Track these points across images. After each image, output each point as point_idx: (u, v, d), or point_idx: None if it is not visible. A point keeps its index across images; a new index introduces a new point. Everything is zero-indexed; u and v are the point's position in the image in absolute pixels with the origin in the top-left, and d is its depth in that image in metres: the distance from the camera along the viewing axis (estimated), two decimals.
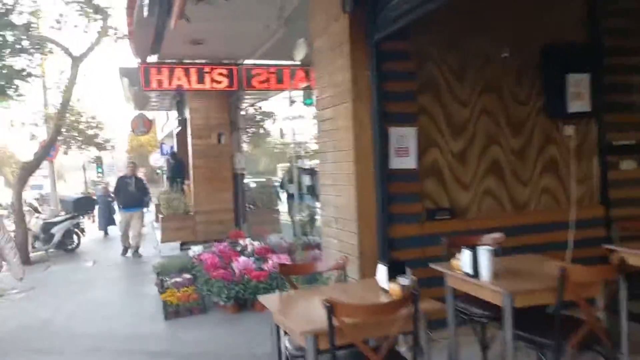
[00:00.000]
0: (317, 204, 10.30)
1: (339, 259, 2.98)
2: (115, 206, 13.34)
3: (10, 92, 7.81)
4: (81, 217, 11.34)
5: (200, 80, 7.75)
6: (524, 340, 2.55)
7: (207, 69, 7.78)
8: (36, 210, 12.34)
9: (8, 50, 7.71)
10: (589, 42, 4.23)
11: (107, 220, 13.13)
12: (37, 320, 5.50)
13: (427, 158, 3.90)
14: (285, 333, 2.61)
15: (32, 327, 5.26)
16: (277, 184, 12.64)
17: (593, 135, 4.30)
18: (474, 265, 2.65)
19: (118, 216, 10.86)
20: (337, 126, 3.89)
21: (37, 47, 8.37)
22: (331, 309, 2.06)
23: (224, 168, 9.47)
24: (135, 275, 7.84)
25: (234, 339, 4.45)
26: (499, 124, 4.09)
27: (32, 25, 8.23)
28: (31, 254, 9.51)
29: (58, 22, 9.79)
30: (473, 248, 2.68)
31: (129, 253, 9.33)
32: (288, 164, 12.41)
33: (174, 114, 12.43)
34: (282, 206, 10.76)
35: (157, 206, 11.88)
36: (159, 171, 18.23)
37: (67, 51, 9.63)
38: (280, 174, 23.65)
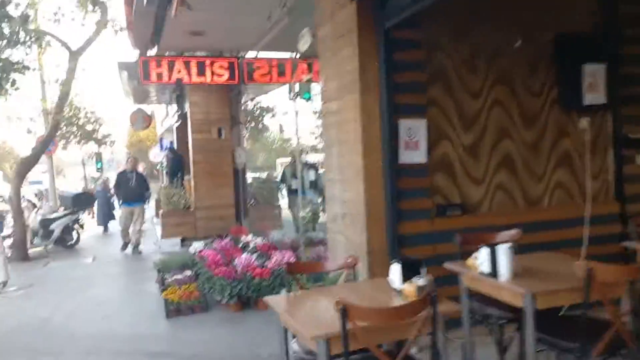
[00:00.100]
0: (319, 200, 10.23)
1: (349, 258, 2.85)
2: (115, 202, 13.24)
3: (6, 85, 7.64)
4: (80, 213, 11.21)
5: (201, 73, 7.59)
6: (546, 344, 2.42)
7: (207, 61, 7.62)
8: (34, 205, 12.20)
9: (4, 42, 7.54)
10: (604, 31, 4.08)
11: (106, 216, 13.00)
12: (35, 319, 5.37)
13: (437, 152, 3.75)
14: (293, 336, 2.49)
15: (31, 327, 5.13)
16: (277, 179, 12.50)
17: (608, 128, 4.16)
18: (492, 265, 2.51)
19: (118, 212, 10.74)
20: (344, 119, 3.75)
21: (34, 39, 8.19)
22: (345, 312, 1.93)
23: (225, 163, 9.33)
24: (135, 272, 7.71)
25: (238, 339, 4.32)
26: (512, 117, 3.94)
27: (29, 17, 8.05)
28: (30, 250, 9.39)
29: (55, 14, 9.64)
30: (492, 246, 2.54)
31: (129, 249, 9.21)
32: (289, 159, 12.24)
33: (173, 108, 12.27)
34: (283, 202, 10.63)
35: (157, 202, 11.75)
36: (158, 167, 18.08)
37: (65, 44, 9.46)
38: (279, 169, 23.51)
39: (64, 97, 9.90)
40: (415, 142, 3.61)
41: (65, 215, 10.37)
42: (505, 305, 2.60)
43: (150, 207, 12.53)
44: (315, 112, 17.29)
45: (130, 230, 9.16)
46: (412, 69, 3.62)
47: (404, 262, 2.42)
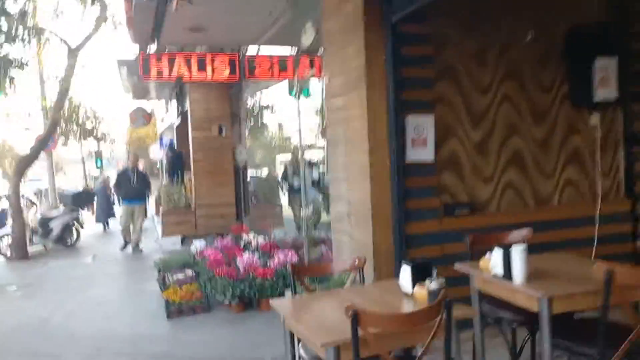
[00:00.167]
0: (321, 198, 10.14)
1: (355, 259, 2.75)
2: (115, 200, 13.16)
3: (4, 82, 7.53)
4: (80, 211, 11.12)
5: (201, 69, 7.49)
6: (562, 349, 2.33)
7: (208, 58, 7.51)
8: (33, 204, 12.10)
9: (2, 39, 7.43)
10: (616, 25, 3.98)
11: (106, 214, 12.91)
12: (35, 320, 5.29)
13: (445, 149, 3.66)
14: (298, 340, 2.40)
15: (30, 327, 5.05)
16: (278, 177, 12.41)
17: (619, 125, 4.06)
18: (506, 267, 2.42)
19: (118, 210, 10.65)
20: (350, 115, 3.65)
21: (32, 35, 8.08)
22: (356, 318, 1.83)
23: (225, 161, 9.23)
24: (135, 271, 7.64)
25: (240, 341, 4.24)
26: (521, 113, 3.85)
27: (27, 13, 7.94)
28: (29, 249, 9.30)
29: (55, 10, 9.53)
30: (505, 247, 2.45)
31: (129, 248, 9.13)
32: (289, 157, 12.15)
33: (173, 104, 12.17)
34: (284, 200, 10.55)
35: (158, 200, 11.67)
36: (158, 164, 17.99)
37: (64, 41, 9.36)
38: (278, 166, 23.37)
39: (63, 94, 9.80)
40: (422, 139, 3.51)
41: (65, 214, 10.28)
42: (517, 308, 2.51)
43: (150, 206, 12.44)
44: (317, 110, 17.19)
45: (131, 228, 9.08)
46: (419, 64, 3.53)
47: (414, 264, 2.33)
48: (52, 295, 6.34)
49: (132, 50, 7.85)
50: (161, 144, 15.89)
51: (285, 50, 8.08)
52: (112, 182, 12.41)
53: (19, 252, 8.98)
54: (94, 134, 17.41)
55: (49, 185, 14.85)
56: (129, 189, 8.98)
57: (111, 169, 23.77)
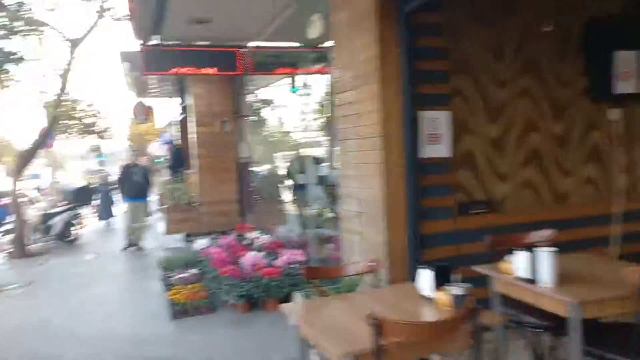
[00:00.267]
0: (326, 196, 9.99)
1: (371, 261, 2.63)
2: (116, 196, 13.01)
3: (1, 76, 7.38)
4: (81, 208, 10.99)
5: (204, 64, 7.33)
6: (591, 356, 2.20)
7: (211, 51, 7.35)
8: (34, 200, 11.98)
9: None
10: (635, 18, 3.82)
11: (107, 211, 12.77)
12: (35, 320, 5.17)
13: (460, 145, 3.52)
14: (312, 345, 2.27)
15: (30, 328, 4.93)
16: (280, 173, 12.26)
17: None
18: (531, 270, 2.29)
19: (120, 207, 10.51)
20: (361, 110, 3.51)
21: (30, 29, 7.92)
22: (378, 327, 1.71)
23: (228, 157, 9.10)
24: (138, 270, 7.51)
25: (247, 343, 4.12)
26: (539, 108, 3.71)
27: (24, 5, 7.78)
28: (29, 246, 9.18)
29: (53, 2, 9.35)
30: (530, 249, 2.32)
31: (132, 247, 8.97)
32: (293, 153, 12.01)
33: (175, 100, 12.02)
34: (287, 197, 10.41)
35: (160, 196, 11.53)
36: (160, 160, 17.85)
37: (62, 35, 9.19)
38: (277, 163, 23.17)
39: (62, 89, 9.65)
40: (438, 135, 3.37)
41: (65, 210, 10.15)
42: (540, 312, 2.39)
43: (152, 202, 12.30)
44: (318, 105, 17.04)
45: (134, 226, 8.93)
46: (434, 57, 3.38)
47: (435, 267, 2.20)
48: (53, 294, 6.22)
49: (133, 46, 7.65)
50: (163, 140, 15.75)
51: (289, 46, 7.92)
52: (114, 178, 12.28)
53: (19, 249, 8.86)
54: (95, 130, 17.22)
55: (49, 182, 14.73)
56: (132, 185, 8.81)
57: (112, 165, 23.64)
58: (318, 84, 12.26)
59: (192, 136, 9.22)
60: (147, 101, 13.38)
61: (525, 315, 2.56)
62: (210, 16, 6.04)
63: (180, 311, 4.83)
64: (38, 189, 16.55)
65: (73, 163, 28.74)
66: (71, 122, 15.63)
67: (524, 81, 3.66)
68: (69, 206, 10.46)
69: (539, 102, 3.70)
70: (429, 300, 2.20)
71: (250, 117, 16.15)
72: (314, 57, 7.22)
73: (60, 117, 11.81)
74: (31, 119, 12.34)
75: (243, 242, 6.15)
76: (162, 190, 9.94)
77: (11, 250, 8.90)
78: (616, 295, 2.18)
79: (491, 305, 2.64)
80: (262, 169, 15.00)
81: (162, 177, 15.02)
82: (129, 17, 6.36)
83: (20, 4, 7.60)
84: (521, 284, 2.35)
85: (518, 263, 2.36)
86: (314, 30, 4.53)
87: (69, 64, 9.28)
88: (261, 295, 4.78)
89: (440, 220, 3.41)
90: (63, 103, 10.90)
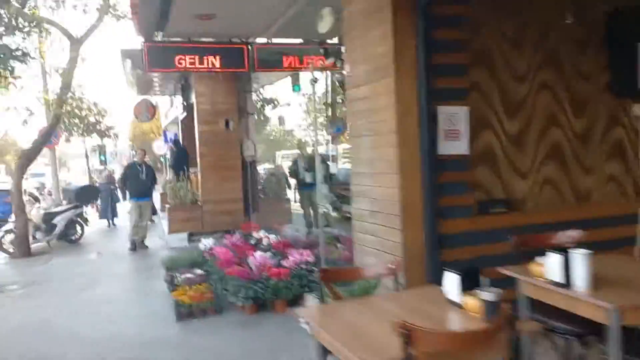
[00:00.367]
0: (331, 194, 9.85)
1: (391, 263, 2.49)
2: (119, 195, 12.91)
3: (5, 73, 7.26)
4: (84, 207, 10.88)
5: (208, 60, 7.20)
6: None
7: (215, 48, 7.22)
8: (36, 199, 11.88)
9: (2, 29, 7.15)
10: None
11: (110, 210, 12.66)
12: (36, 321, 5.05)
13: (479, 142, 3.37)
14: (328, 351, 2.14)
15: (31, 330, 4.81)
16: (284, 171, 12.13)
17: None
18: (565, 273, 2.15)
19: (124, 206, 10.39)
20: (375, 106, 3.37)
21: (33, 26, 7.80)
22: (409, 337, 1.57)
23: (233, 155, 8.97)
24: (142, 269, 7.39)
25: (256, 345, 3.99)
26: (560, 103, 3.56)
27: (28, 2, 7.66)
28: (32, 246, 9.07)
29: (57, 1, 9.25)
30: (563, 251, 2.18)
31: (138, 247, 8.85)
32: (289, 152, 11.87)
33: (178, 99, 11.90)
34: (291, 196, 10.28)
35: (163, 196, 11.42)
36: (162, 159, 17.74)
37: (66, 32, 9.07)
38: (279, 161, 23.05)
39: (65, 87, 9.54)
40: (455, 131, 3.23)
41: (68, 209, 10.04)
42: (570, 318, 2.25)
43: (156, 201, 12.20)
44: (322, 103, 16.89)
45: (140, 226, 8.81)
46: (452, 50, 3.23)
47: (464, 270, 2.06)
48: (55, 295, 6.10)
49: (135, 44, 7.53)
50: (165, 138, 15.64)
51: (296, 42, 7.78)
52: (117, 177, 12.17)
53: (22, 248, 8.75)
54: (97, 129, 17.13)
55: (52, 180, 14.62)
56: (138, 184, 8.67)
57: (115, 164, 23.55)
58: (323, 81, 12.14)
59: (196, 134, 9.09)
60: (151, 99, 13.27)
61: (554, 320, 2.41)
62: (215, 11, 5.91)
63: (185, 313, 4.70)
64: (41, 187, 16.46)
65: (76, 162, 28.68)
66: (74, 120, 15.55)
67: (545, 75, 3.51)
68: (72, 205, 10.35)
69: (559, 97, 3.56)
70: (456, 305, 2.06)
71: (254, 115, 16.04)
72: (322, 53, 7.08)
73: (64, 116, 11.71)
74: (34, 118, 12.19)
75: (249, 241, 6.02)
76: (165, 189, 9.83)
77: (13, 249, 8.79)
78: None
79: (515, 309, 2.50)
80: (264, 167, 14.89)
81: (164, 176, 14.92)
82: (133, 11, 6.23)
83: (24, 1, 7.48)
84: (553, 288, 2.21)
85: (550, 265, 2.22)
86: (324, 24, 4.39)
87: (71, 62, 9.17)
88: (269, 297, 4.65)
89: (459, 219, 3.27)
90: (66, 102, 10.79)
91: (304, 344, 3.66)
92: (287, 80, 9.59)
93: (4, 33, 7.13)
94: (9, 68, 7.31)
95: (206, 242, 6.26)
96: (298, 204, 10.18)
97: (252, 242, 6.01)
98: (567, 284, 2.14)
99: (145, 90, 12.05)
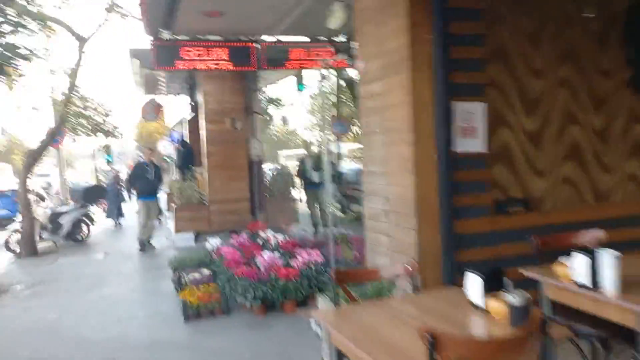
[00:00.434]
0: (337, 194, 9.77)
1: (408, 264, 2.40)
2: (126, 195, 12.89)
3: (9, 71, 7.22)
4: (91, 207, 10.85)
5: (216, 59, 7.13)
6: None
7: (223, 46, 7.16)
8: (42, 199, 11.87)
9: (10, 28, 7.12)
10: None
11: (117, 210, 12.64)
12: (42, 322, 5.00)
13: (496, 139, 3.29)
14: (344, 355, 2.06)
15: (37, 331, 4.75)
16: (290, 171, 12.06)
17: None
18: (592, 275, 2.05)
19: (132, 205, 10.35)
20: (389, 102, 3.28)
21: (38, 24, 7.76)
22: (434, 343, 1.48)
23: (239, 155, 8.92)
24: (149, 269, 7.34)
25: (265, 347, 3.91)
26: (579, 99, 3.46)
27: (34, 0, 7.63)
28: (39, 245, 9.05)
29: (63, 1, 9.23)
30: (590, 252, 2.08)
31: (145, 247, 8.80)
32: (304, 151, 11.79)
33: (184, 99, 11.85)
34: (297, 195, 10.20)
35: (169, 195, 11.37)
36: (168, 159, 17.72)
37: (71, 31, 9.05)
38: (282, 161, 22.97)
39: (71, 87, 9.51)
40: (473, 128, 3.14)
41: (75, 209, 10.02)
42: (594, 321, 2.15)
43: (162, 201, 12.16)
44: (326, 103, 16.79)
45: (148, 225, 8.76)
46: (469, 44, 3.15)
47: (489, 272, 1.97)
48: (62, 295, 6.05)
49: (143, 44, 7.47)
50: (172, 138, 15.62)
51: (304, 40, 7.70)
52: (123, 177, 12.14)
53: (28, 248, 8.72)
54: (104, 128, 17.11)
55: (59, 180, 14.62)
56: (146, 184, 8.62)
57: (121, 163, 23.58)
58: (330, 79, 12.05)
59: (202, 134, 9.04)
60: (157, 99, 13.24)
61: (578, 322, 2.32)
62: (223, 9, 5.84)
63: (193, 313, 4.63)
64: (48, 187, 16.47)
65: (82, 162, 28.77)
66: (80, 120, 15.53)
67: (563, 71, 3.42)
68: (78, 205, 10.33)
69: (578, 94, 3.46)
70: (479, 308, 1.97)
71: (261, 115, 15.99)
72: (332, 49, 6.99)
73: (69, 116, 11.70)
74: (40, 117, 12.19)
75: (256, 241, 5.95)
76: (171, 188, 9.78)
77: (20, 249, 8.77)
78: None
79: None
80: (267, 167, 14.80)
81: (171, 176, 14.89)
82: (141, 7, 6.17)
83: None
84: (579, 290, 2.12)
85: (577, 267, 2.12)
86: (335, 20, 4.30)
87: (78, 62, 9.14)
88: (278, 298, 4.57)
89: (475, 219, 3.18)
90: (72, 101, 10.77)
91: (315, 345, 3.58)
92: (290, 80, 9.53)
93: (5, 32, 7.09)
94: (14, 66, 7.27)
95: (213, 242, 6.20)
96: (304, 203, 10.09)
97: (260, 242, 5.94)
98: (594, 286, 2.05)
99: (151, 89, 12.01)
